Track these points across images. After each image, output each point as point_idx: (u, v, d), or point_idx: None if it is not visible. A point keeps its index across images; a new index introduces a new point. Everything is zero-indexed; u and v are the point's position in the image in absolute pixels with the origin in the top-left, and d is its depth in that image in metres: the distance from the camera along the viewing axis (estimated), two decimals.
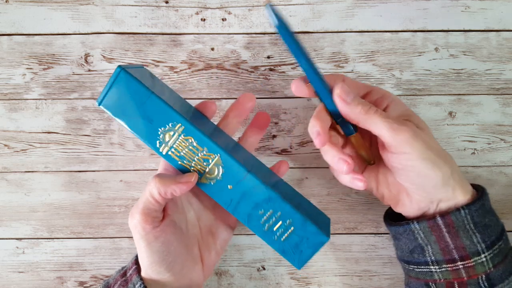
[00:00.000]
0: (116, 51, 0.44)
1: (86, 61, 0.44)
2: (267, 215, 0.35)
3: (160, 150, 0.34)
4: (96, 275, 0.46)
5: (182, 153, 0.34)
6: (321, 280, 0.46)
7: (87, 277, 0.46)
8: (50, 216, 0.45)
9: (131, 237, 0.46)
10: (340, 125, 0.35)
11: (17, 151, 0.44)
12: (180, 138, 0.33)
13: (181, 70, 0.44)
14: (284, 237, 0.35)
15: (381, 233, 0.46)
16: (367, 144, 0.37)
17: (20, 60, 0.44)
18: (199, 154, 0.34)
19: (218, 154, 0.34)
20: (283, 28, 0.31)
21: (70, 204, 0.45)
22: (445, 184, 0.34)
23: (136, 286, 0.36)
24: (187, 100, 0.44)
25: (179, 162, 0.34)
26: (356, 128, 0.35)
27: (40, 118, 0.44)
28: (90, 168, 0.45)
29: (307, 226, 0.35)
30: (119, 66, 0.32)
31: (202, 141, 0.33)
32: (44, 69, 0.44)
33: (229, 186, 0.34)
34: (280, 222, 0.35)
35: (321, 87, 0.33)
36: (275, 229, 0.35)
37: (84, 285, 0.46)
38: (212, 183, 0.35)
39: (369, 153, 0.37)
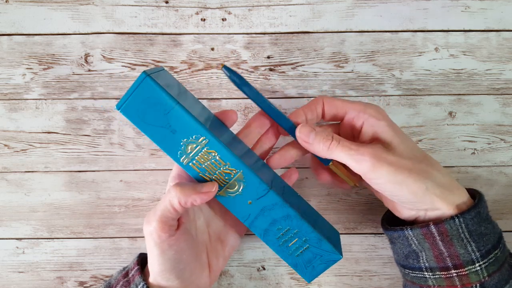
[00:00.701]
0: (116, 51, 0.44)
1: (86, 61, 0.44)
2: (283, 231, 0.35)
3: (181, 161, 0.33)
4: (96, 275, 0.46)
5: (203, 166, 0.34)
6: (321, 280, 0.46)
7: (87, 277, 0.46)
8: (50, 216, 0.45)
9: (131, 237, 0.46)
10: (316, 156, 0.37)
11: (17, 151, 0.44)
12: (203, 151, 0.33)
13: (181, 70, 0.44)
14: (298, 253, 0.36)
15: (381, 233, 0.46)
16: (345, 170, 0.37)
17: (20, 60, 0.44)
18: (221, 168, 0.34)
19: (241, 170, 0.33)
20: (241, 83, 0.35)
21: (70, 204, 0.45)
22: (420, 200, 0.34)
23: (139, 287, 0.36)
24: None
25: (200, 174, 0.34)
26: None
27: (40, 118, 0.44)
28: (90, 168, 0.45)
29: (322, 245, 0.35)
30: (144, 72, 0.31)
31: (226, 156, 0.33)
32: (44, 69, 0.44)
33: (248, 201, 0.34)
34: (296, 239, 0.35)
35: (288, 127, 0.36)
36: (290, 245, 0.35)
37: (84, 285, 0.46)
38: (231, 197, 0.35)
39: (349, 178, 0.37)
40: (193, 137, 0.33)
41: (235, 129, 0.39)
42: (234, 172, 0.34)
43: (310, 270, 0.36)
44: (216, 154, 0.33)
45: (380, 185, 0.34)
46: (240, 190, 0.34)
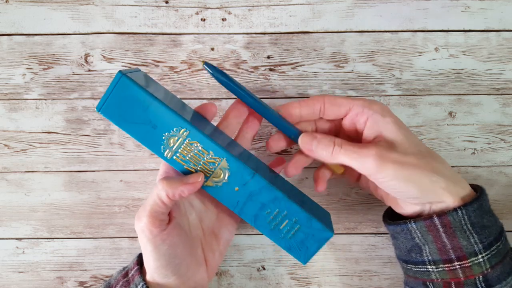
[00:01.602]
0: (116, 51, 0.44)
1: (86, 61, 0.44)
2: (273, 214, 0.35)
3: (165, 155, 0.34)
4: (96, 275, 0.46)
5: (187, 158, 0.34)
6: (321, 280, 0.46)
7: (87, 277, 0.46)
8: (50, 216, 0.45)
9: (131, 237, 0.46)
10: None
11: (17, 151, 0.44)
12: (185, 142, 0.33)
13: (181, 70, 0.44)
14: (290, 235, 0.36)
15: (381, 233, 0.46)
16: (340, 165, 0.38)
17: (20, 60, 0.44)
18: (205, 158, 0.34)
19: (224, 158, 0.34)
20: (225, 79, 0.35)
21: (70, 204, 0.45)
22: (427, 193, 0.34)
23: (139, 287, 0.36)
24: (187, 100, 0.44)
25: (185, 167, 0.34)
26: None
27: (40, 118, 0.44)
28: (90, 168, 0.45)
29: (312, 223, 0.35)
30: (120, 72, 0.32)
31: (208, 145, 0.33)
32: (44, 69, 0.44)
33: (235, 188, 0.35)
34: (286, 221, 0.35)
35: (275, 120, 0.36)
36: (281, 227, 0.36)
37: (84, 285, 0.46)
38: (218, 186, 0.35)
39: (337, 167, 0.38)
40: (174, 130, 0.33)
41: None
42: (218, 160, 0.34)
43: (304, 251, 0.36)
44: (198, 145, 0.33)
45: (387, 183, 0.34)
46: (226, 177, 0.34)
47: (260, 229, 0.36)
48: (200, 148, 0.33)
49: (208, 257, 0.39)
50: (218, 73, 0.35)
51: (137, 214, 0.35)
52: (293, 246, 0.36)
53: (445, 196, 0.34)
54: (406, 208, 0.36)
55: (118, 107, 0.32)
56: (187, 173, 0.34)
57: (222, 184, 0.35)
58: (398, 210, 0.37)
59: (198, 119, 0.35)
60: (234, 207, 0.35)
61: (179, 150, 0.34)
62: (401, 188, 0.34)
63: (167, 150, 0.34)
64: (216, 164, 0.34)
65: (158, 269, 0.35)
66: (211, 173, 0.34)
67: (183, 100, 0.40)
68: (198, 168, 0.34)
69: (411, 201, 0.35)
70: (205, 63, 0.35)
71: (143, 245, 0.35)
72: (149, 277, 0.36)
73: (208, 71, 0.35)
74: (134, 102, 0.32)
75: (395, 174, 0.33)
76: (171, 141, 0.33)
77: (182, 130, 0.33)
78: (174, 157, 0.34)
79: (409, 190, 0.34)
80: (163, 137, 0.33)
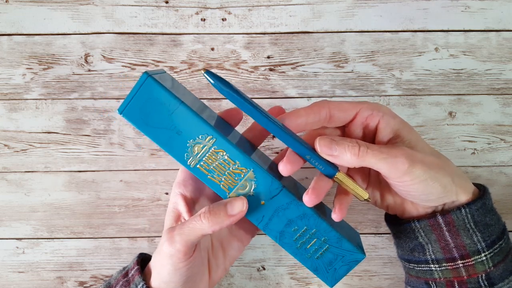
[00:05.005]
0: (116, 51, 0.44)
1: (86, 61, 0.44)
2: (300, 232, 0.33)
3: (188, 163, 0.32)
4: (96, 275, 0.46)
5: (211, 167, 0.32)
6: (321, 280, 0.46)
7: (87, 277, 0.46)
8: (50, 216, 0.45)
9: (131, 237, 0.46)
10: (318, 168, 0.33)
11: (17, 151, 0.44)
12: (211, 151, 0.31)
13: (181, 70, 0.44)
14: (318, 255, 0.34)
15: (381, 233, 0.46)
16: (355, 180, 0.34)
17: (20, 60, 0.44)
18: (231, 168, 0.32)
19: (251, 169, 0.32)
20: (227, 89, 0.31)
21: (70, 204, 0.45)
22: (448, 192, 0.34)
23: (139, 287, 0.36)
24: None
25: (208, 176, 0.32)
26: (336, 167, 0.33)
27: (40, 118, 0.44)
28: (90, 168, 0.45)
29: (342, 244, 0.33)
30: (145, 73, 0.30)
31: (235, 154, 0.31)
32: (44, 69, 0.44)
33: (261, 202, 0.33)
34: (314, 240, 0.33)
35: (282, 134, 0.31)
36: (308, 246, 0.34)
37: (84, 285, 0.46)
38: None
39: (359, 189, 0.33)
40: (200, 137, 0.31)
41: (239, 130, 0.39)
42: (245, 171, 0.32)
43: (332, 273, 0.34)
44: (224, 154, 0.32)
45: (411, 185, 0.33)
46: (251, 190, 0.33)
47: (285, 247, 0.34)
48: (226, 157, 0.32)
49: (212, 269, 0.38)
50: (220, 83, 0.31)
51: (170, 236, 0.33)
52: (320, 267, 0.34)
53: (461, 194, 0.34)
54: (419, 211, 0.36)
55: (141, 110, 0.30)
56: (210, 183, 0.33)
57: (247, 197, 0.33)
58: (405, 215, 0.37)
59: (222, 125, 0.34)
60: (259, 222, 0.33)
61: (204, 159, 0.32)
62: (427, 189, 0.33)
63: (191, 158, 0.32)
64: (242, 175, 0.32)
65: (167, 284, 0.35)
66: (236, 184, 0.32)
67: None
68: (223, 179, 0.32)
69: (429, 203, 0.35)
70: (206, 71, 0.31)
71: (163, 263, 0.34)
72: (155, 284, 0.36)
73: (209, 80, 0.31)
74: (159, 105, 0.30)
75: (423, 174, 0.32)
76: (196, 148, 0.31)
77: (208, 137, 0.31)
78: (198, 166, 0.32)
79: (433, 191, 0.33)
80: (188, 144, 0.31)
